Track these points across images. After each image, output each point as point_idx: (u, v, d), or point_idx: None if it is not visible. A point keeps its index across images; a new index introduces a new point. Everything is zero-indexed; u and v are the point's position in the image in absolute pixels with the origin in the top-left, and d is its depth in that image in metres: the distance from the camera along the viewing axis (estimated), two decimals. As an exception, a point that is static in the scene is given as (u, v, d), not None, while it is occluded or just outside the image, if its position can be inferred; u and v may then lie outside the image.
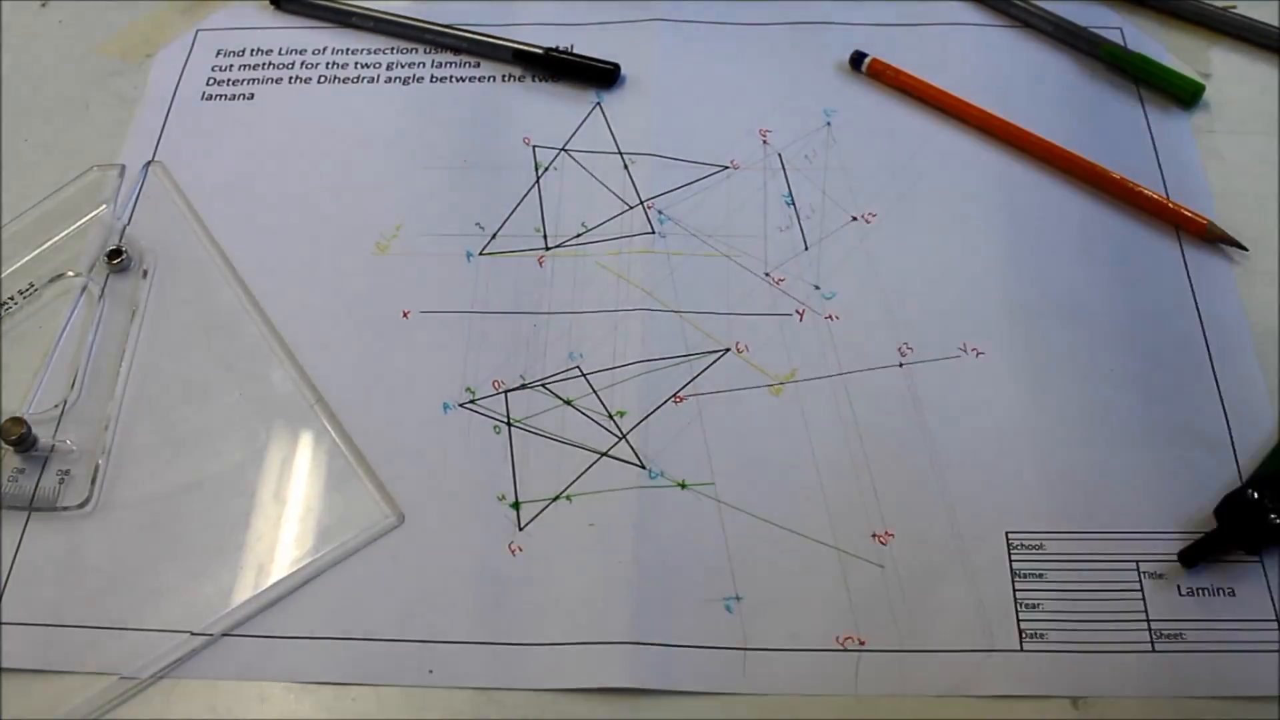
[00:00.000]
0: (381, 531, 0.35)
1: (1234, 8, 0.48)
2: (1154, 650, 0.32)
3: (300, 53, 0.49)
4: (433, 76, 0.48)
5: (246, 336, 0.40)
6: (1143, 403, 0.37)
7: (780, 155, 0.44)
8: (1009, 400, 0.37)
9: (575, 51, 0.47)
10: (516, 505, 0.36)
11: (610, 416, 0.37)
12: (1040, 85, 0.46)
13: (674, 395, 0.38)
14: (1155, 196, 0.41)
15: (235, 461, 0.37)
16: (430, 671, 0.33)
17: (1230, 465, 0.35)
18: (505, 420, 0.37)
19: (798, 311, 0.40)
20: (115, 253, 0.41)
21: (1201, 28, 0.48)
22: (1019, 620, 0.33)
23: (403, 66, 0.48)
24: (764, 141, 0.45)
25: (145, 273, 0.41)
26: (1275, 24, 0.47)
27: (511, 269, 0.41)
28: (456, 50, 0.48)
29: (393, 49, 0.49)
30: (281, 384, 0.38)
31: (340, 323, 0.40)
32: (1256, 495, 0.34)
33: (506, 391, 0.38)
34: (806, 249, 0.41)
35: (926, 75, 0.46)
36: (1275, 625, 0.33)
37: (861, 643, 0.33)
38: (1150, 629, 0.33)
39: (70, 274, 0.41)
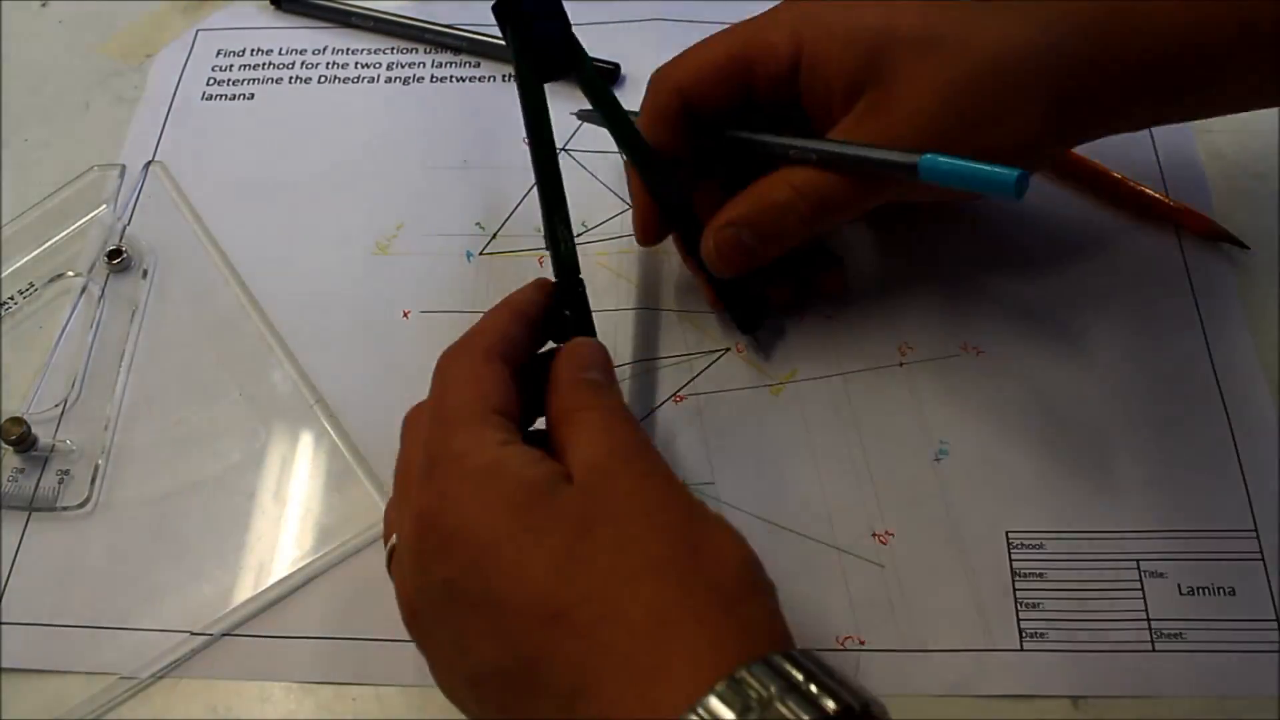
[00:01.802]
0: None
1: (1234, 7, 0.48)
2: (1154, 650, 0.32)
3: (300, 53, 0.49)
4: (433, 76, 0.48)
5: (246, 336, 0.40)
6: (1143, 402, 0.37)
7: (780, 155, 0.44)
8: (1009, 400, 0.37)
9: (575, 51, 0.47)
10: (516, 505, 0.36)
11: (610, 416, 0.37)
12: (1040, 85, 0.46)
13: (674, 395, 0.38)
14: (1155, 196, 0.41)
15: (235, 461, 0.37)
16: (430, 671, 0.33)
17: (1232, 464, 0.35)
18: (505, 420, 0.37)
19: (798, 312, 0.40)
20: (115, 253, 0.41)
21: (1201, 27, 0.48)
22: (1019, 620, 0.33)
23: (403, 66, 0.48)
24: (764, 141, 0.44)
25: (145, 273, 0.41)
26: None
27: (511, 269, 0.41)
28: (456, 50, 0.48)
29: (393, 49, 0.49)
30: (281, 384, 0.38)
31: (340, 323, 0.40)
32: None
33: (506, 391, 0.38)
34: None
35: (926, 75, 0.45)
36: (1275, 625, 0.33)
37: (861, 643, 0.33)
38: (1150, 629, 0.33)
39: (70, 274, 0.41)
